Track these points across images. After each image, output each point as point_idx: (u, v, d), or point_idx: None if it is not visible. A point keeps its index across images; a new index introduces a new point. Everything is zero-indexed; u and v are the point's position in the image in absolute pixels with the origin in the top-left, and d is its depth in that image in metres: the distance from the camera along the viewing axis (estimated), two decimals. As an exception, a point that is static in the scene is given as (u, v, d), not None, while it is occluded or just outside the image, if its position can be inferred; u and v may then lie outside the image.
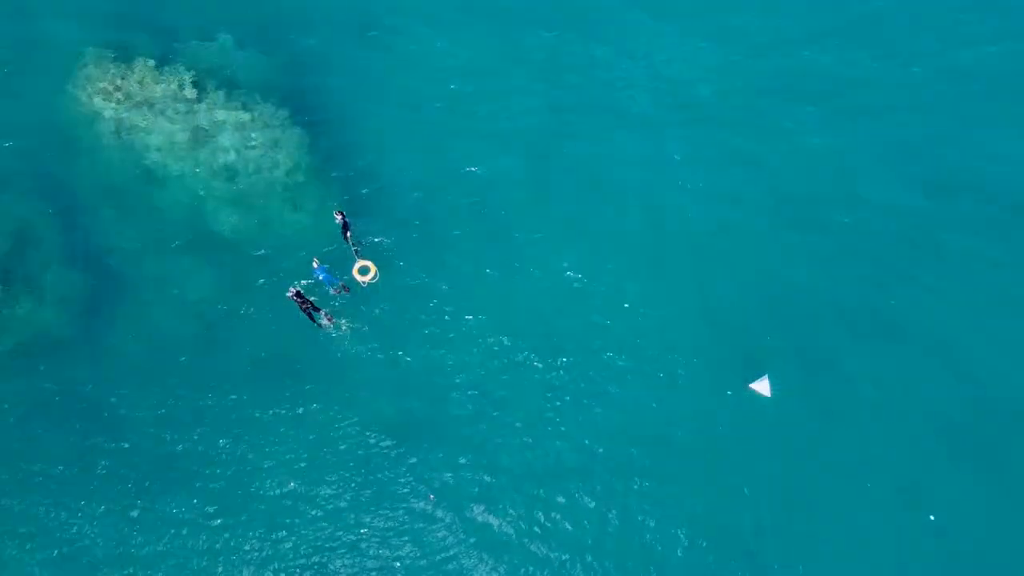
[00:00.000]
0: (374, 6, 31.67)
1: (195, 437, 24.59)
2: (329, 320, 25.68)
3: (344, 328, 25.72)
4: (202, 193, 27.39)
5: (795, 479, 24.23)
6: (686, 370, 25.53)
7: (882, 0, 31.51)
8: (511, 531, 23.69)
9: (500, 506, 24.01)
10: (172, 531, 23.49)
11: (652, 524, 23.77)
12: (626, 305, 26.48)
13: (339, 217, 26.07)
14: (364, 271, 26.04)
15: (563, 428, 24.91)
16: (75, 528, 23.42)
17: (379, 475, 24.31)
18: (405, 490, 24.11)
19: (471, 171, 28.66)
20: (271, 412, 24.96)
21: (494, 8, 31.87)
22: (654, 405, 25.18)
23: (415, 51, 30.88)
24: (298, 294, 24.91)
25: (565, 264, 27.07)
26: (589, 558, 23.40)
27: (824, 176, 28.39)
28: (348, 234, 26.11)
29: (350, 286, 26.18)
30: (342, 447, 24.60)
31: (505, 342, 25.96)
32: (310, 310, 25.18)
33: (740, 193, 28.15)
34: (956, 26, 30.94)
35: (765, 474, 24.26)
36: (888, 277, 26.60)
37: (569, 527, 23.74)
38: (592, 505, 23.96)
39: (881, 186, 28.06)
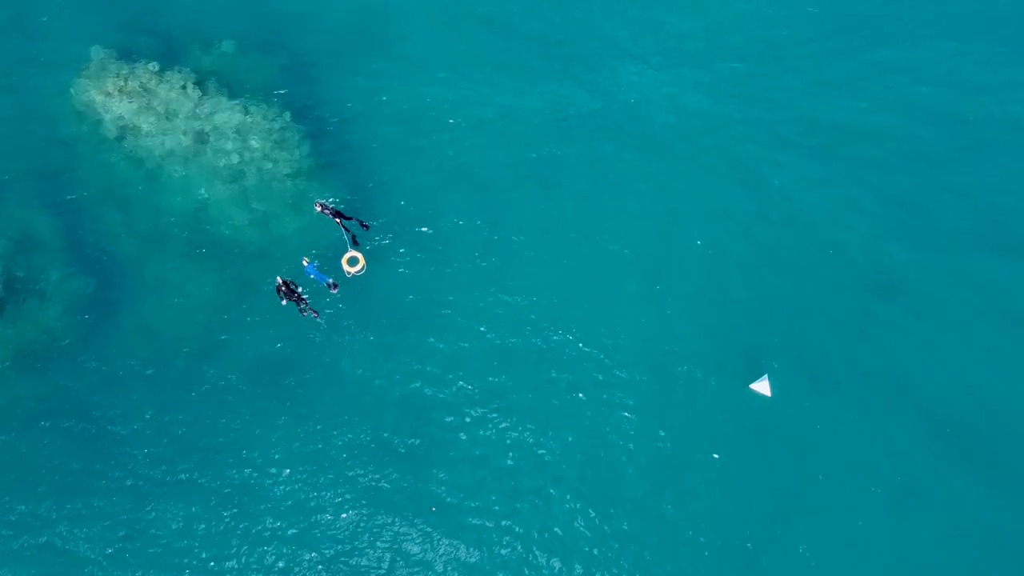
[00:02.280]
0: (375, 12, 31.89)
1: (196, 441, 24.63)
2: (309, 313, 25.78)
3: (323, 323, 25.88)
4: (204, 195, 27.52)
5: (795, 481, 24.43)
6: (688, 373, 25.72)
7: (882, 54, 31.46)
8: (513, 539, 23.77)
9: (503, 513, 24.08)
10: (172, 536, 23.53)
11: (650, 525, 23.95)
12: (626, 313, 26.64)
13: (319, 209, 26.35)
14: (353, 262, 26.09)
15: (564, 432, 25.03)
16: (76, 530, 23.48)
17: (381, 482, 24.33)
18: (407, 498, 24.14)
19: (471, 176, 28.85)
20: (273, 417, 25.01)
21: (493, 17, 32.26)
22: (655, 410, 25.33)
23: (416, 55, 31.08)
24: (286, 284, 25.19)
25: (564, 270, 27.26)
26: (586, 564, 23.61)
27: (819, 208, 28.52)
28: (340, 221, 26.28)
29: (338, 279, 26.29)
30: (344, 453, 24.67)
31: (505, 347, 26.08)
32: (297, 301, 25.43)
33: (736, 224, 28.33)
34: (955, 76, 30.85)
35: (767, 476, 24.48)
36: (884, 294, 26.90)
37: (569, 532, 23.87)
38: (593, 509, 24.08)
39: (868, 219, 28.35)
